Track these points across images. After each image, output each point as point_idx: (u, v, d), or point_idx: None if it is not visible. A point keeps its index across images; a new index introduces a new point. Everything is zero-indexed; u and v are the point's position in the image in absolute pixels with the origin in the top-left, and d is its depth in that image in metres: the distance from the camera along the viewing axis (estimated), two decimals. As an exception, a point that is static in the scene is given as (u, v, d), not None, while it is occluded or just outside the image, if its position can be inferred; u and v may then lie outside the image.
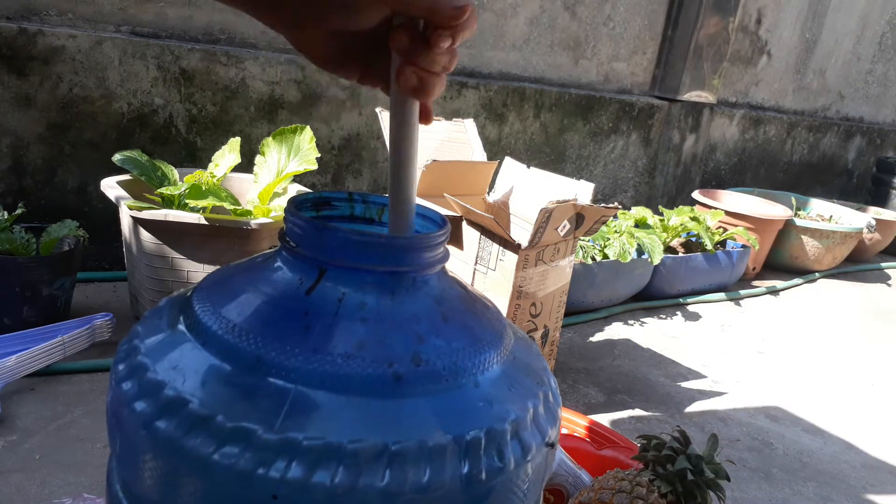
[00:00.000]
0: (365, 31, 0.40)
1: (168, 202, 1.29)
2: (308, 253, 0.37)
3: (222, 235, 1.23)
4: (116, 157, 1.31)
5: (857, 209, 2.81)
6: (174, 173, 1.36)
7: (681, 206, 2.13)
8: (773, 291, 2.29)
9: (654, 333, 1.76)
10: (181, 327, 0.37)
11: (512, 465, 0.35)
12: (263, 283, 0.38)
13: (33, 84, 1.40)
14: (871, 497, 1.18)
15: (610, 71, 2.46)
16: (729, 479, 0.73)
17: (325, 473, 0.31)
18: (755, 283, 2.32)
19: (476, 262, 1.21)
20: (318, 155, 1.34)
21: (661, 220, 2.07)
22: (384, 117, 1.30)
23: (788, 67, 3.11)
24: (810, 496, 1.16)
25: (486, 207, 1.38)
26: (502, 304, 1.17)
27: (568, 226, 1.17)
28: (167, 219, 1.19)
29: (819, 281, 2.50)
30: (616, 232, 1.84)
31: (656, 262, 1.78)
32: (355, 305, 0.36)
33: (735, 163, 3.04)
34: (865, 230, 2.54)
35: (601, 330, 1.73)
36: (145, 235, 1.22)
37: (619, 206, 1.24)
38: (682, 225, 2.05)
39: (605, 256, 1.77)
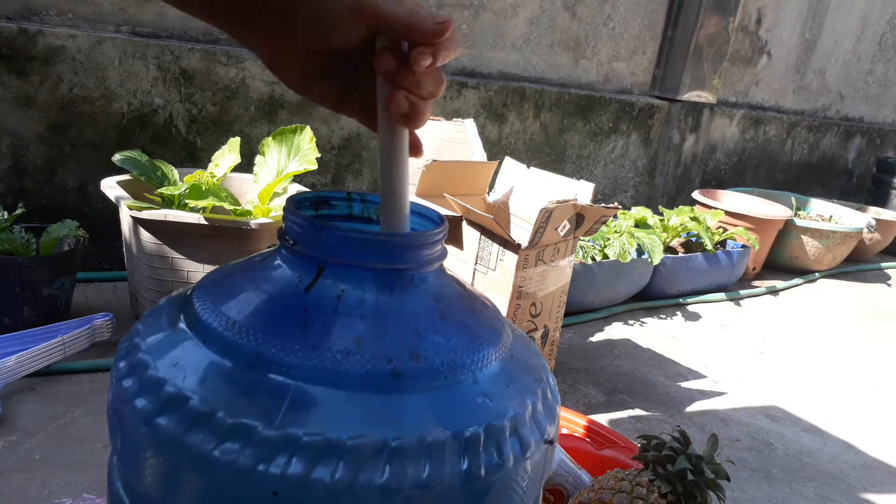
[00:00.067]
0: (341, 52, 0.39)
1: (168, 202, 1.29)
2: (307, 251, 0.38)
3: (222, 235, 1.23)
4: (116, 157, 1.31)
5: (857, 209, 2.82)
6: (174, 173, 1.36)
7: (681, 206, 2.13)
8: (773, 291, 2.29)
9: (654, 333, 1.76)
10: (181, 325, 0.38)
11: (511, 462, 0.35)
12: (263, 281, 0.38)
13: (33, 84, 1.40)
14: (871, 497, 1.18)
15: (610, 71, 2.46)
16: (729, 479, 0.73)
17: (325, 469, 0.31)
18: (755, 283, 2.32)
19: (476, 262, 1.21)
20: (318, 155, 1.34)
21: (661, 220, 2.07)
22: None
23: (788, 67, 3.12)
24: (810, 496, 1.16)
25: (486, 207, 1.38)
26: (502, 304, 1.17)
27: (568, 226, 1.18)
28: (167, 219, 1.19)
29: (819, 281, 2.50)
30: (616, 232, 1.84)
31: (656, 262, 1.78)
32: (354, 302, 0.36)
33: (735, 163, 3.04)
34: (865, 230, 2.54)
35: (601, 330, 1.73)
36: (145, 235, 1.22)
37: (619, 206, 1.24)
38: (682, 225, 2.05)
39: (605, 256, 1.77)
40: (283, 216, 0.39)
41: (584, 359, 1.54)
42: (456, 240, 1.23)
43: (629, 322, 1.81)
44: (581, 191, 1.25)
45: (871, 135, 3.67)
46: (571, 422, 1.04)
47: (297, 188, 1.43)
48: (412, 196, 1.24)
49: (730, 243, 2.17)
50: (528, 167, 1.38)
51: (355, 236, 0.37)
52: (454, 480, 0.33)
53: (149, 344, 0.37)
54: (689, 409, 1.39)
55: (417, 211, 0.44)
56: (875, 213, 2.84)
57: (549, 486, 0.82)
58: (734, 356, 1.70)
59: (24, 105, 1.41)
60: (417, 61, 0.37)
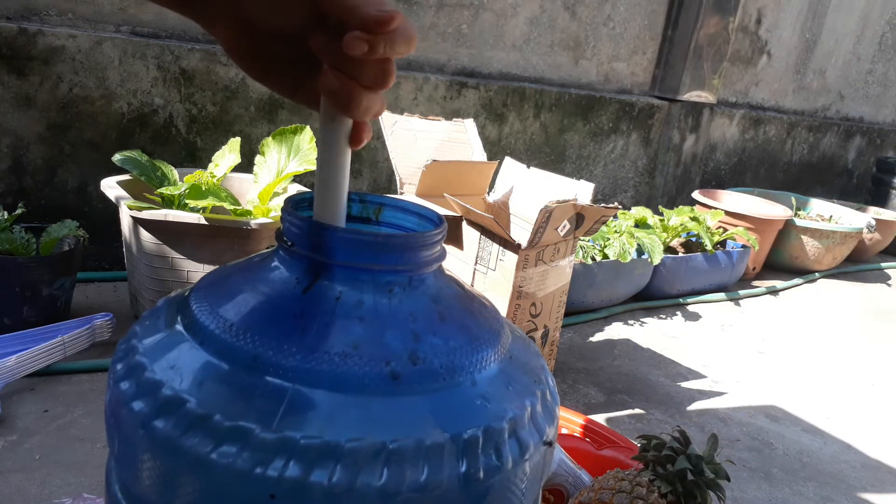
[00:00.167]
0: (291, 34, 0.37)
1: (168, 202, 1.29)
2: (305, 252, 0.37)
3: (222, 235, 1.23)
4: (116, 157, 1.31)
5: (857, 209, 2.81)
6: (174, 173, 1.36)
7: (681, 206, 2.13)
8: (773, 291, 2.29)
9: (654, 333, 1.76)
10: (179, 327, 0.37)
11: (510, 464, 0.35)
12: (261, 282, 0.38)
13: (33, 84, 1.40)
14: (871, 497, 1.18)
15: (610, 71, 2.46)
16: (729, 479, 0.73)
17: (322, 472, 0.31)
18: (755, 283, 2.32)
19: (476, 262, 1.21)
20: (318, 155, 1.34)
21: (661, 220, 2.07)
22: (384, 117, 1.30)
23: (788, 67, 3.11)
24: (810, 496, 1.16)
25: (486, 207, 1.38)
26: (502, 304, 1.17)
27: (568, 226, 1.17)
28: (167, 219, 1.19)
29: (819, 281, 2.50)
30: (616, 232, 1.84)
31: (656, 262, 1.78)
32: (352, 304, 0.36)
33: (735, 163, 3.04)
34: (865, 230, 2.54)
35: (601, 330, 1.73)
36: (145, 235, 1.22)
37: (619, 206, 1.24)
38: (682, 225, 2.05)
39: (605, 256, 1.77)
40: (281, 217, 0.39)
41: (584, 359, 1.54)
42: (456, 240, 1.23)
43: (629, 322, 1.81)
44: (581, 191, 1.25)
45: (871, 135, 3.67)
46: (571, 422, 1.04)
47: (297, 188, 1.42)
48: (412, 196, 1.24)
49: (730, 243, 2.17)
50: (528, 167, 1.38)
51: (353, 238, 0.37)
52: (452, 483, 0.33)
53: (146, 346, 0.37)
54: (689, 409, 1.39)
55: (417, 211, 0.44)
56: (875, 213, 2.84)
57: (549, 486, 0.82)
58: (734, 356, 1.70)
59: (24, 105, 1.41)
60: (348, 45, 0.33)
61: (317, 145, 0.37)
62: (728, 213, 2.26)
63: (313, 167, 1.33)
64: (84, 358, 1.18)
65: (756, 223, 2.27)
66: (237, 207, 1.29)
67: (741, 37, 2.82)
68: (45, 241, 1.23)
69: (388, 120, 1.31)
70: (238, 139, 1.40)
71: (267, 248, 0.41)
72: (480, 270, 1.20)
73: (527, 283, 1.18)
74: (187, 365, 0.35)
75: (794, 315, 2.10)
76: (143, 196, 1.28)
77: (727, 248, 2.13)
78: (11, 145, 1.42)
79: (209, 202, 1.23)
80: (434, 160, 1.24)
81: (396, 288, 0.37)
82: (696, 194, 2.43)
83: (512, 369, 0.39)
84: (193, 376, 0.34)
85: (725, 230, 2.19)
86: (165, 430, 0.32)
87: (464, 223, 1.21)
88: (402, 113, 1.34)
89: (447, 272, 0.42)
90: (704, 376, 1.55)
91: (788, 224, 2.39)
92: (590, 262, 1.74)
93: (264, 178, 1.36)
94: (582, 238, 1.32)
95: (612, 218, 1.73)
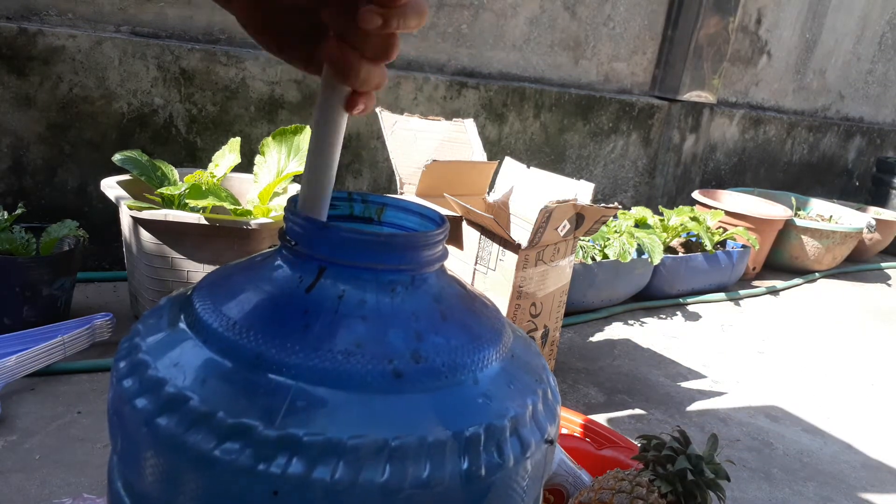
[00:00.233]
0: (305, 10, 0.38)
1: (168, 202, 1.29)
2: (308, 251, 0.38)
3: (222, 235, 1.23)
4: (116, 157, 1.31)
5: (857, 209, 2.82)
6: (174, 173, 1.36)
7: (681, 206, 2.13)
8: (773, 291, 2.29)
9: (654, 333, 1.76)
10: (182, 325, 0.38)
11: (511, 462, 0.35)
12: (263, 281, 0.38)
13: (33, 84, 1.40)
14: (871, 497, 1.19)
15: (610, 71, 2.46)
16: (729, 479, 0.73)
17: (325, 469, 0.31)
18: (755, 283, 2.32)
19: (476, 262, 1.21)
20: (318, 155, 1.34)
21: (661, 220, 2.07)
22: (384, 117, 1.30)
23: (788, 67, 3.12)
24: (810, 496, 1.16)
25: (486, 207, 1.38)
26: (502, 304, 1.17)
27: (568, 226, 1.18)
28: (167, 219, 1.19)
29: (819, 281, 2.50)
30: (616, 232, 1.84)
31: (656, 262, 1.78)
32: (355, 303, 0.36)
33: (735, 163, 3.04)
34: (865, 230, 2.54)
35: (601, 330, 1.73)
36: (145, 235, 1.22)
37: (619, 206, 1.24)
38: (682, 225, 2.05)
39: (605, 256, 1.77)
40: (284, 216, 0.39)
41: (584, 359, 1.54)
42: (456, 240, 1.23)
43: (629, 322, 1.81)
44: (581, 191, 1.25)
45: (871, 135, 3.67)
46: (571, 422, 1.04)
47: (297, 188, 1.42)
48: (412, 196, 1.24)
49: (730, 243, 2.17)
50: (528, 167, 1.38)
51: (356, 237, 0.37)
52: (454, 480, 0.33)
53: (149, 344, 0.37)
54: (689, 409, 1.39)
55: (419, 211, 0.44)
56: (875, 213, 2.84)
57: (549, 486, 0.82)
58: (734, 356, 1.70)
59: (24, 105, 1.41)
60: (363, 19, 0.35)
61: (314, 112, 0.37)
62: (728, 213, 2.26)
63: (313, 167, 1.32)
64: (84, 358, 1.18)
65: (756, 223, 2.27)
66: (237, 207, 1.29)
67: (741, 37, 2.82)
68: (45, 241, 1.23)
69: (388, 120, 1.31)
70: (238, 139, 1.40)
71: (269, 247, 0.42)
72: (480, 270, 1.20)
73: (527, 283, 1.18)
74: (190, 363, 0.35)
75: (794, 315, 2.10)
76: (143, 196, 1.28)
77: (727, 248, 2.14)
78: (11, 145, 1.42)
79: (209, 202, 1.23)
80: (434, 160, 1.24)
81: (399, 287, 0.38)
82: (696, 194, 2.43)
83: (513, 368, 0.40)
84: (196, 374, 0.34)
85: (725, 230, 2.19)
86: (169, 427, 0.32)
87: (464, 223, 1.21)
88: (402, 113, 1.34)
89: (449, 272, 0.42)
90: (704, 376, 1.56)
91: (788, 224, 2.39)
92: (590, 262, 1.74)
93: (264, 178, 1.36)
94: (582, 238, 1.32)
95: (612, 218, 1.73)
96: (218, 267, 0.43)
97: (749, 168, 3.12)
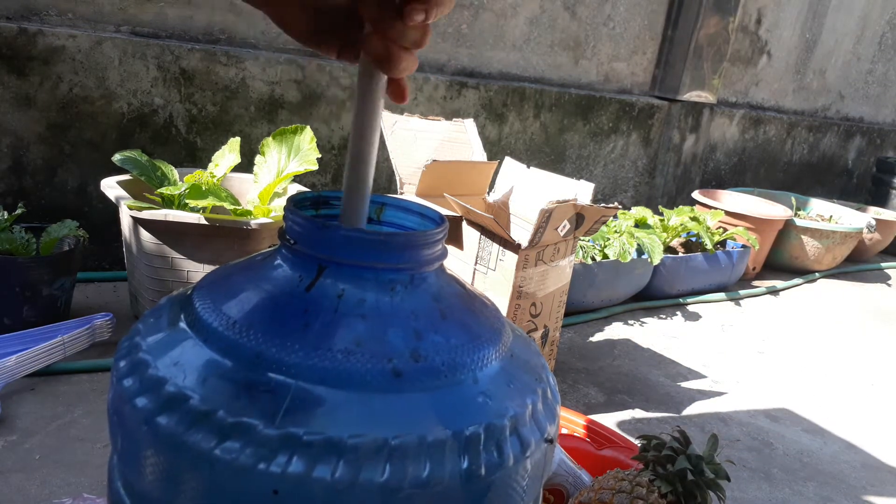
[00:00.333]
0: (340, 5, 0.41)
1: (168, 202, 1.29)
2: (307, 251, 0.38)
3: (222, 235, 1.23)
4: (116, 157, 1.31)
5: (857, 209, 2.82)
6: (174, 173, 1.36)
7: (681, 206, 2.13)
8: (773, 291, 2.29)
9: (654, 333, 1.76)
10: (182, 324, 0.38)
11: (511, 461, 0.35)
12: (263, 280, 0.38)
13: (33, 84, 1.40)
14: (871, 497, 1.19)
15: (610, 71, 2.46)
16: (729, 479, 0.73)
17: (325, 468, 0.31)
18: (755, 283, 2.32)
19: (476, 262, 1.21)
20: (319, 155, 1.34)
21: (661, 220, 2.07)
22: (384, 117, 1.30)
23: (788, 67, 3.12)
24: (810, 496, 1.16)
25: (486, 207, 1.38)
26: (502, 303, 1.17)
27: (568, 226, 1.18)
28: (167, 219, 1.19)
29: (819, 281, 2.50)
30: (616, 232, 1.84)
31: (656, 262, 1.78)
32: (354, 302, 0.36)
33: (735, 163, 3.04)
34: (865, 230, 2.54)
35: (601, 330, 1.73)
36: (145, 235, 1.22)
37: (619, 206, 1.24)
38: (682, 225, 2.05)
39: (605, 256, 1.77)
40: (284, 216, 0.39)
41: (584, 359, 1.54)
42: (456, 240, 1.23)
43: (629, 322, 1.81)
44: (581, 191, 1.25)
45: (871, 135, 3.67)
46: (571, 422, 1.04)
47: (297, 188, 1.43)
48: (412, 196, 1.24)
49: (730, 243, 2.17)
50: (528, 167, 1.38)
51: (356, 236, 0.37)
52: (454, 479, 0.33)
53: (149, 343, 0.37)
54: (689, 409, 1.39)
55: (418, 211, 0.44)
56: (875, 213, 2.84)
57: (549, 486, 0.82)
58: (734, 356, 1.70)
59: (24, 105, 1.41)
60: (410, 16, 0.38)
61: (355, 99, 0.39)
62: (728, 213, 2.26)
63: (314, 167, 1.33)
64: (84, 358, 1.18)
65: (756, 223, 2.27)
66: (237, 207, 1.29)
67: (741, 37, 2.82)
68: (45, 241, 1.23)
69: (388, 120, 1.31)
70: (238, 139, 1.40)
71: (269, 246, 0.42)
72: (480, 270, 1.20)
73: (527, 283, 1.18)
74: (191, 362, 0.35)
75: (794, 315, 2.10)
76: (143, 196, 1.28)
77: (727, 248, 2.14)
78: (11, 145, 1.42)
79: (209, 202, 1.23)
80: (434, 160, 1.24)
81: (398, 286, 0.38)
82: (696, 194, 2.43)
83: (513, 367, 0.40)
84: (197, 373, 0.34)
85: (725, 230, 2.19)
86: (169, 426, 0.32)
87: (464, 223, 1.21)
88: (401, 113, 1.34)
89: (448, 271, 0.42)
90: (704, 376, 1.56)
91: (788, 224, 2.39)
92: (590, 262, 1.74)
93: (264, 178, 1.36)
94: (582, 238, 1.32)
95: (612, 218, 1.73)
96: (218, 267, 0.43)
97: (749, 168, 3.12)
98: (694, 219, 2.06)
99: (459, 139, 1.39)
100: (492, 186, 1.43)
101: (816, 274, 2.52)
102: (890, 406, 1.56)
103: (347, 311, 0.36)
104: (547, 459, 0.39)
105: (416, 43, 0.39)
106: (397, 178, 1.29)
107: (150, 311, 0.40)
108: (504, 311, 1.17)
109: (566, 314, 1.67)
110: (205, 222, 1.20)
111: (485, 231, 1.18)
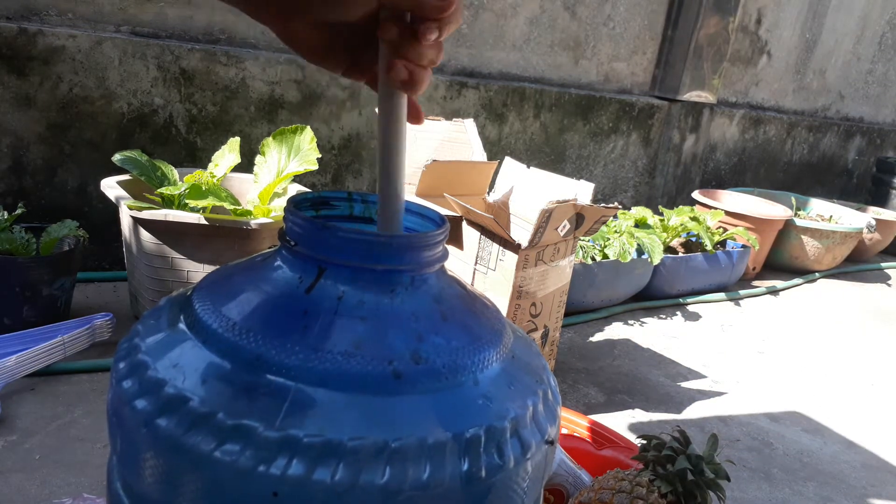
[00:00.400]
0: (350, 23, 0.40)
1: (168, 202, 1.29)
2: (307, 252, 0.37)
3: (222, 235, 1.23)
4: (116, 157, 1.31)
5: (857, 209, 2.82)
6: (174, 173, 1.36)
7: (681, 206, 2.13)
8: (773, 291, 2.29)
9: (654, 333, 1.76)
10: (181, 326, 0.38)
11: (512, 463, 0.35)
12: (263, 281, 0.38)
13: (33, 84, 1.40)
14: (871, 497, 1.18)
15: (610, 71, 2.46)
16: (729, 479, 0.73)
17: (325, 471, 0.31)
18: (755, 283, 2.32)
19: (476, 262, 1.21)
20: (319, 155, 1.34)
21: (661, 220, 2.07)
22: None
23: (788, 67, 3.12)
24: (810, 496, 1.16)
25: (486, 207, 1.38)
26: (502, 304, 1.17)
27: (568, 226, 1.18)
28: (167, 219, 1.19)
29: (819, 281, 2.50)
30: (616, 232, 1.84)
31: (656, 262, 1.78)
32: (354, 304, 0.36)
33: (735, 163, 3.04)
34: (865, 230, 2.54)
35: (601, 330, 1.73)
36: (145, 235, 1.22)
37: (619, 206, 1.24)
38: (682, 225, 2.05)
39: (605, 256, 1.77)
40: (284, 217, 0.39)
41: (584, 359, 1.54)
42: (456, 240, 1.23)
43: (629, 322, 1.81)
44: (581, 191, 1.25)
45: (871, 135, 3.67)
46: (572, 422, 1.04)
47: (297, 188, 1.43)
48: (412, 196, 1.24)
49: (730, 243, 2.17)
50: (528, 167, 1.38)
51: (356, 237, 0.37)
52: (455, 482, 0.33)
53: (149, 345, 0.37)
54: (689, 409, 1.39)
55: (419, 212, 0.44)
56: (875, 213, 2.84)
57: (549, 486, 0.82)
58: (734, 356, 1.70)
59: (24, 105, 1.41)
60: (425, 35, 0.39)
61: (378, 121, 0.41)
62: (728, 213, 2.26)
63: (314, 167, 1.33)
64: (84, 358, 1.18)
65: (756, 223, 2.27)
66: (237, 207, 1.29)
67: (741, 37, 2.82)
68: (45, 241, 1.23)
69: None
70: (238, 139, 1.40)
71: (269, 247, 0.42)
72: (480, 270, 1.20)
73: (527, 283, 1.18)
74: (190, 363, 0.35)
75: (794, 315, 2.10)
76: (143, 196, 1.28)
77: (727, 248, 2.14)
78: (11, 145, 1.42)
79: (209, 202, 1.23)
80: (434, 160, 1.24)
81: (399, 288, 0.37)
82: (696, 194, 2.43)
83: (514, 369, 0.39)
84: (196, 375, 0.34)
85: (725, 230, 2.19)
86: (168, 428, 0.32)
87: (464, 223, 1.21)
88: (402, 113, 1.34)
89: (449, 272, 0.42)
90: (704, 376, 1.56)
91: (788, 224, 2.39)
92: (590, 262, 1.74)
93: (264, 178, 1.36)
94: (582, 238, 1.32)
95: (612, 218, 1.73)
96: (218, 267, 0.43)
97: (749, 168, 3.12)
98: (694, 219, 2.06)
99: (459, 139, 1.39)
100: (492, 186, 1.43)
101: (816, 274, 2.52)
102: (890, 406, 1.56)
103: (347, 313, 0.36)
104: (547, 461, 0.39)
105: (432, 61, 0.40)
106: (397, 179, 1.28)
107: (150, 313, 0.40)
108: (504, 311, 1.17)
109: (566, 314, 1.67)
110: (205, 222, 1.19)
111: (485, 231, 1.18)
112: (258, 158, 1.38)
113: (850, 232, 2.46)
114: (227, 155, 1.39)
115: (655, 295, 1.96)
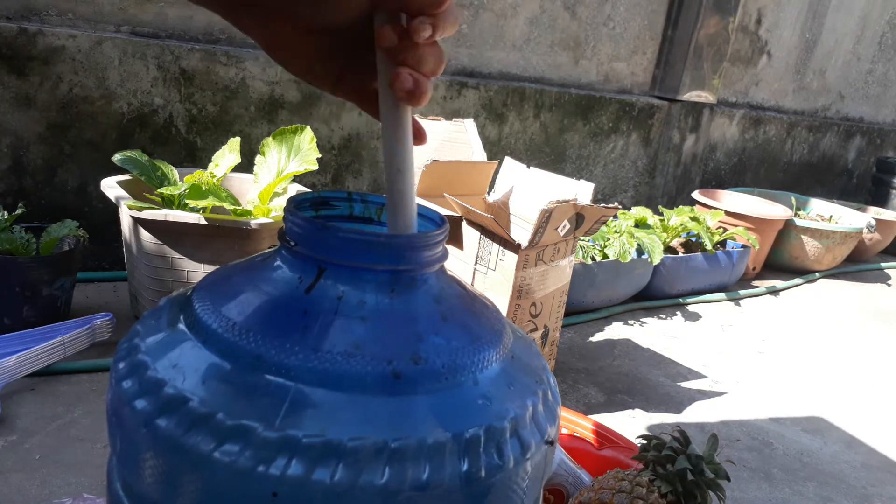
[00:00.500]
0: (339, 29, 0.39)
1: (168, 202, 1.29)
2: (307, 252, 0.37)
3: (222, 235, 1.23)
4: (116, 157, 1.31)
5: (857, 209, 2.82)
6: (174, 173, 1.36)
7: (681, 206, 2.13)
8: (773, 291, 2.29)
9: (654, 333, 1.76)
10: (181, 326, 0.37)
11: (511, 463, 0.35)
12: (263, 281, 0.38)
13: (33, 84, 1.40)
14: (871, 497, 1.18)
15: (610, 71, 2.46)
16: (729, 479, 0.73)
17: (324, 471, 0.31)
18: (755, 283, 2.32)
19: (476, 262, 1.21)
20: (319, 155, 1.34)
21: (661, 220, 2.07)
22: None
23: (788, 67, 3.12)
24: (810, 496, 1.16)
25: (486, 207, 1.38)
26: (502, 304, 1.17)
27: (568, 226, 1.18)
28: (167, 219, 1.19)
29: (819, 281, 2.50)
30: (616, 232, 1.84)
31: (656, 262, 1.78)
32: (354, 304, 0.36)
33: (735, 163, 3.04)
34: (865, 230, 2.54)
35: (601, 330, 1.73)
36: (145, 235, 1.22)
37: (619, 206, 1.24)
38: (682, 225, 2.05)
39: (605, 256, 1.77)
40: (284, 217, 0.39)
41: (584, 359, 1.54)
42: (456, 240, 1.23)
43: (629, 322, 1.81)
44: (581, 191, 1.25)
45: (871, 135, 3.67)
46: (572, 422, 1.04)
47: (297, 188, 1.43)
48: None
49: (730, 243, 2.17)
50: (528, 167, 1.38)
51: (356, 237, 0.37)
52: (454, 482, 0.33)
53: (148, 345, 0.37)
54: (689, 409, 1.39)
55: (419, 212, 0.44)
56: (875, 213, 2.84)
57: (549, 486, 0.82)
58: (734, 356, 1.70)
59: (24, 105, 1.41)
60: (418, 32, 0.36)
61: (383, 136, 0.39)
62: (728, 213, 2.26)
63: (314, 167, 1.33)
64: (84, 358, 1.18)
65: (756, 223, 2.27)
66: (237, 207, 1.29)
67: (741, 37, 2.82)
68: (45, 241, 1.23)
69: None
70: (238, 139, 1.40)
71: (269, 247, 0.42)
72: (480, 270, 1.20)
73: (527, 283, 1.18)
74: (190, 364, 0.35)
75: (794, 315, 2.10)
76: (143, 196, 1.28)
77: (727, 248, 2.14)
78: (11, 145, 1.42)
79: (209, 202, 1.23)
80: (434, 160, 1.24)
81: (399, 288, 0.37)
82: (696, 194, 2.43)
83: (513, 369, 0.39)
84: (196, 375, 0.34)
85: (725, 230, 2.19)
86: (168, 428, 0.32)
87: (464, 223, 1.21)
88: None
89: (449, 272, 0.42)
90: (704, 376, 1.56)
91: (788, 224, 2.39)
92: (590, 262, 1.74)
93: (264, 178, 1.36)
94: (582, 238, 1.32)
95: (612, 218, 1.73)
96: (218, 267, 0.43)
97: (749, 168, 3.12)
98: (694, 219, 2.06)
99: (459, 139, 1.39)
100: (492, 186, 1.43)
101: (816, 274, 2.52)
102: (890, 406, 1.56)
103: (347, 313, 0.36)
104: (547, 461, 0.39)
105: (433, 69, 0.38)
106: (397, 179, 1.28)
107: (150, 313, 0.40)
108: (504, 311, 1.17)
109: (566, 314, 1.67)
110: (205, 222, 1.20)
111: (485, 231, 1.18)
112: (258, 158, 1.38)
113: (850, 232, 2.46)
114: (227, 155, 1.39)
115: (655, 295, 1.96)
